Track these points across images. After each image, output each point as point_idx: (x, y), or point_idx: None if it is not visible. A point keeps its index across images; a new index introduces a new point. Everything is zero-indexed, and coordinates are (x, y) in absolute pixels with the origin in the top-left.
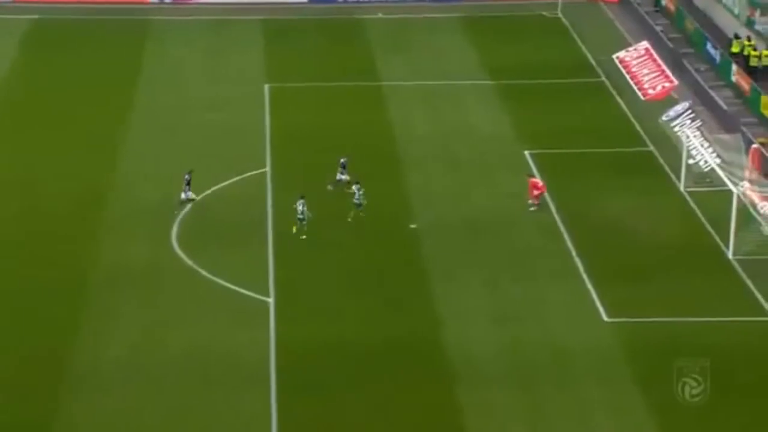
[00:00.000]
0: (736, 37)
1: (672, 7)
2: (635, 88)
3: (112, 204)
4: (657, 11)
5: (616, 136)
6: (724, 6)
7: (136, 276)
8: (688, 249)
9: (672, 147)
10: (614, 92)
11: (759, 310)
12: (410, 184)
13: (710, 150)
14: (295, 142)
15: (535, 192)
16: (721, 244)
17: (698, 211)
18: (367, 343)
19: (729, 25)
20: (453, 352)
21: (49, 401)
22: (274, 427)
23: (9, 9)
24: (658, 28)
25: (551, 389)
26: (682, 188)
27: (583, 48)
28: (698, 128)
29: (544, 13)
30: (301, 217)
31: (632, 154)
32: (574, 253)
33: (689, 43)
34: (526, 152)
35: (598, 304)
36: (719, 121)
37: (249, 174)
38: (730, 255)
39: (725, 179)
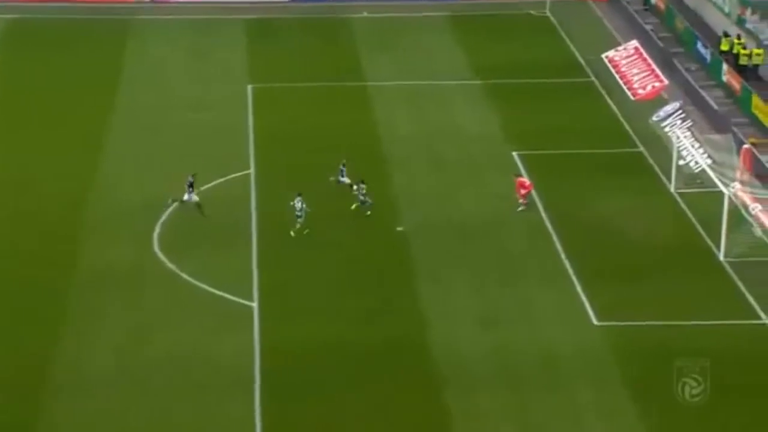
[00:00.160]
0: (726, 35)
1: (662, 6)
2: (625, 87)
3: (93, 205)
4: (646, 10)
5: (605, 137)
6: (715, 4)
7: (119, 278)
8: (678, 251)
9: (662, 147)
10: (603, 92)
11: (750, 312)
12: (397, 185)
13: (701, 150)
14: (279, 143)
15: (522, 191)
16: (712, 246)
17: (689, 213)
18: (353, 347)
19: (719, 23)
20: (440, 355)
21: (32, 404)
22: (259, 430)
23: None
24: (648, 27)
25: (540, 392)
26: (672, 189)
27: (572, 47)
28: (689, 128)
29: (531, 11)
30: (299, 214)
31: (622, 154)
32: (563, 255)
33: (679, 43)
34: (514, 153)
35: (587, 306)
36: (710, 122)
37: (233, 176)
38: (721, 257)
39: (716, 180)
